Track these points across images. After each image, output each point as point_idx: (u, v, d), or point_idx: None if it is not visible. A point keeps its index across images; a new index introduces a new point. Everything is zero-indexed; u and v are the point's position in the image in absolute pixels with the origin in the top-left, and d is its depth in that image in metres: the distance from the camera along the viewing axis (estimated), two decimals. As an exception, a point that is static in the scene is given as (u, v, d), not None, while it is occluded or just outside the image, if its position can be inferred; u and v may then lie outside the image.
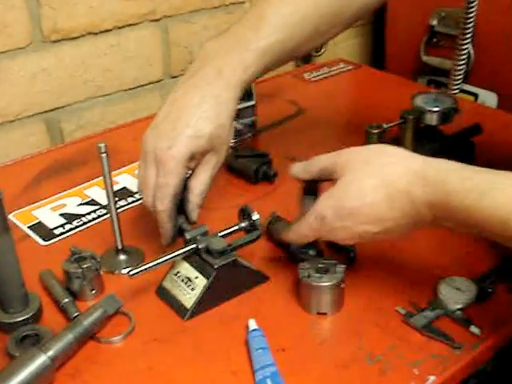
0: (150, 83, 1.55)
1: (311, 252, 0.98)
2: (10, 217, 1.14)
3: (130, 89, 1.52)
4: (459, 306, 0.90)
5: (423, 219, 0.82)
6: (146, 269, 0.91)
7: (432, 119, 1.14)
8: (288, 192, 1.10)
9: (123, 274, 1.01)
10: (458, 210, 0.78)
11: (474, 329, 0.87)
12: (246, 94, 1.30)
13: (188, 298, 0.92)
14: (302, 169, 0.92)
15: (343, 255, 0.98)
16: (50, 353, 0.84)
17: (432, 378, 0.82)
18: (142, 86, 1.54)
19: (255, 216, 0.98)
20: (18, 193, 1.22)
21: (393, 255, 1.02)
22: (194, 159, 0.98)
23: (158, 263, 0.92)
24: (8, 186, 1.18)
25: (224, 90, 0.98)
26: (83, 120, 1.48)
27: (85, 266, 0.96)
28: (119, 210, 1.09)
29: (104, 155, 0.95)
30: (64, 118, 1.45)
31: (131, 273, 0.90)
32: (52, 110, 1.43)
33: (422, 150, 1.14)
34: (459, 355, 0.85)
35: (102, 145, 0.94)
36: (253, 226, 0.99)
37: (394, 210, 0.82)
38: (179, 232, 0.98)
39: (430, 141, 1.17)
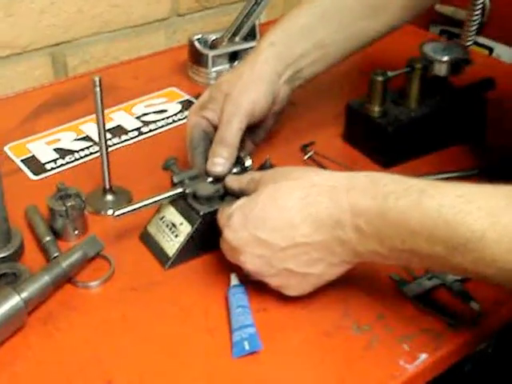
0: (157, 21, 1.44)
1: None
2: (5, 149, 1.08)
3: (136, 26, 1.42)
4: (458, 277, 0.78)
5: (343, 237, 0.68)
6: (130, 210, 0.82)
7: (441, 69, 1.01)
8: (285, 140, 1.06)
9: (108, 215, 0.91)
10: (390, 214, 0.65)
11: (473, 304, 0.75)
12: (251, 34, 1.23)
13: (171, 245, 0.83)
14: (235, 178, 0.83)
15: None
16: (24, 294, 0.75)
17: (423, 355, 0.71)
18: (149, 23, 1.43)
19: (248, 162, 0.89)
20: (16, 125, 1.14)
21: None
22: None
23: (142, 205, 0.83)
24: (7, 118, 1.14)
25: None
26: (88, 55, 1.37)
27: (69, 204, 0.87)
28: (111, 148, 1.03)
29: (97, 89, 0.85)
30: (69, 52, 1.35)
31: (115, 213, 0.81)
32: (58, 45, 1.33)
33: (429, 103, 1.03)
34: (455, 332, 0.73)
35: (97, 78, 0.85)
36: (245, 172, 0.88)
37: (307, 219, 0.69)
38: None
39: (437, 93, 1.05)
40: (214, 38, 1.25)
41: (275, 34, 0.96)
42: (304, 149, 1.03)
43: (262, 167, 0.93)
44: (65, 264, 0.80)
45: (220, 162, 0.86)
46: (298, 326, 0.75)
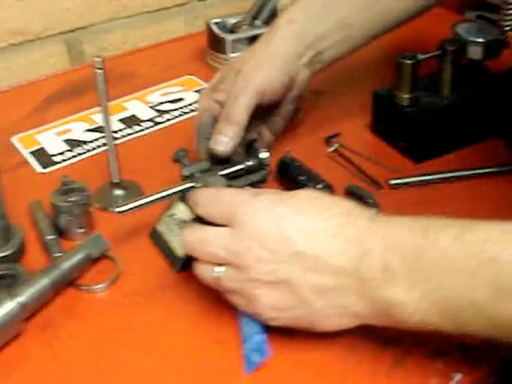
0: (176, 6, 1.37)
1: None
2: (13, 140, 1.02)
3: (155, 11, 1.35)
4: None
5: (365, 275, 0.58)
6: (135, 207, 0.74)
7: (476, 52, 0.92)
8: (308, 131, 0.98)
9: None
10: (429, 251, 0.55)
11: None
12: (273, 18, 1.14)
13: (181, 246, 0.74)
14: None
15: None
16: (21, 299, 0.69)
17: (458, 376, 0.61)
18: (167, 8, 1.36)
19: (263, 154, 0.81)
20: (25, 115, 1.08)
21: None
22: None
23: (148, 201, 0.75)
24: (17, 108, 1.09)
25: None
26: (105, 42, 1.31)
27: (72, 199, 0.80)
28: (123, 140, 0.99)
29: (100, 71, 0.79)
30: (86, 39, 1.28)
31: (118, 209, 0.74)
32: (73, 31, 1.26)
33: (463, 90, 0.94)
34: (496, 350, 0.62)
35: (98, 59, 0.78)
36: (260, 166, 0.81)
37: (336, 237, 0.60)
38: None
39: (472, 79, 0.96)
40: (233, 21, 1.19)
41: (294, 12, 0.88)
42: (328, 141, 0.96)
43: (282, 161, 0.86)
44: (66, 265, 0.73)
45: (223, 141, 0.79)
46: (319, 338, 0.66)
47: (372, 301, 0.58)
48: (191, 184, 0.75)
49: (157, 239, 0.80)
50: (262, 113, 0.86)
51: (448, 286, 0.54)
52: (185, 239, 0.67)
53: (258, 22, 1.18)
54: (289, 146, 0.90)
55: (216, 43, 1.17)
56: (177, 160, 0.81)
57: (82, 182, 0.83)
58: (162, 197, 0.76)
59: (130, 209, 0.74)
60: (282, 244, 0.61)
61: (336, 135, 0.96)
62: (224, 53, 1.16)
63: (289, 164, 0.88)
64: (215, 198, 0.66)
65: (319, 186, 0.83)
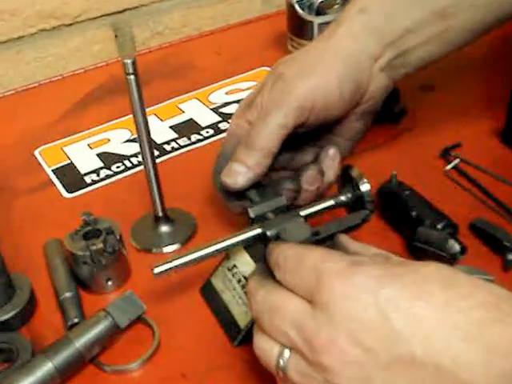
0: (251, -22, 1.31)
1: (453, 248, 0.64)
2: (36, 153, 0.90)
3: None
4: None
5: None
6: (179, 265, 0.57)
7: None
8: (416, 140, 0.86)
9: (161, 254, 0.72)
10: None
11: None
12: None
13: (243, 312, 0.61)
14: (349, 239, 0.58)
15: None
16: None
17: None
18: (240, -19, 1.30)
19: (364, 186, 0.63)
20: (54, 120, 0.97)
21: None
22: None
23: (197, 257, 0.57)
24: (45, 110, 1.00)
25: None
26: (161, 25, 1.24)
27: (94, 247, 0.64)
28: (177, 152, 0.88)
29: (132, 77, 0.63)
30: (137, 22, 1.21)
31: (156, 270, 0.57)
32: (121, 12, 1.19)
33: None
34: None
35: (129, 61, 0.62)
36: (359, 201, 0.64)
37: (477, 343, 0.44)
38: None
39: None
40: (321, 0, 1.07)
41: None
42: (445, 155, 0.82)
43: (386, 188, 0.72)
44: (79, 343, 0.58)
45: (239, 171, 0.64)
46: None
47: None
48: (259, 230, 0.58)
49: (210, 297, 0.65)
50: (316, 132, 0.69)
51: None
52: (250, 300, 0.52)
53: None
54: (390, 163, 0.77)
55: (299, 27, 1.07)
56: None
57: (108, 220, 0.67)
58: (218, 250, 0.58)
59: (172, 268, 0.57)
60: (385, 342, 0.45)
61: (455, 146, 0.84)
62: (309, 39, 1.04)
63: (395, 194, 0.72)
64: (298, 262, 0.50)
65: (439, 226, 0.66)
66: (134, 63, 0.62)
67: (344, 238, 0.57)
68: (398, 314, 0.45)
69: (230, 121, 0.89)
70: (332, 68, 0.66)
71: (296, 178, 0.66)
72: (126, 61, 0.62)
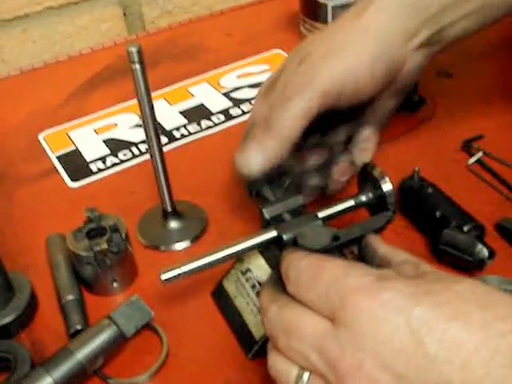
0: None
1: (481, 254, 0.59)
2: (40, 138, 0.85)
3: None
4: None
5: None
6: (188, 271, 0.52)
7: None
8: (437, 132, 0.80)
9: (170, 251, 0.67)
10: None
11: None
12: None
13: (258, 322, 0.55)
14: (380, 241, 0.53)
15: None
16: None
17: None
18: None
19: (387, 185, 0.57)
20: (60, 102, 0.92)
21: None
22: None
23: (207, 263, 0.53)
24: (52, 91, 0.95)
25: None
26: (171, 4, 1.19)
27: (98, 247, 0.59)
28: (186, 140, 0.82)
29: (137, 66, 0.58)
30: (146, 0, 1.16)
31: (163, 277, 0.52)
32: None
33: None
34: None
35: (134, 49, 0.57)
36: (381, 202, 0.58)
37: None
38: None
39: None
40: None
41: None
42: (467, 147, 0.77)
43: (407, 184, 0.67)
44: (81, 355, 0.53)
45: (253, 157, 0.59)
46: None
47: None
48: (275, 233, 0.53)
49: (223, 303, 0.60)
50: (347, 111, 0.64)
51: None
52: (262, 317, 0.47)
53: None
54: (409, 156, 0.72)
55: (312, 8, 1.01)
56: (253, 192, 0.58)
57: (114, 216, 0.62)
58: (231, 254, 0.53)
59: (180, 275, 0.52)
60: (418, 368, 0.40)
61: (477, 138, 0.79)
62: (324, 21, 0.99)
63: (417, 191, 0.66)
64: (315, 275, 0.45)
65: (466, 228, 0.61)
66: (139, 52, 0.57)
67: (375, 240, 0.52)
68: (432, 337, 0.40)
69: (241, 106, 0.85)
70: (363, 49, 0.61)
71: (322, 171, 0.61)
72: (130, 49, 0.57)
